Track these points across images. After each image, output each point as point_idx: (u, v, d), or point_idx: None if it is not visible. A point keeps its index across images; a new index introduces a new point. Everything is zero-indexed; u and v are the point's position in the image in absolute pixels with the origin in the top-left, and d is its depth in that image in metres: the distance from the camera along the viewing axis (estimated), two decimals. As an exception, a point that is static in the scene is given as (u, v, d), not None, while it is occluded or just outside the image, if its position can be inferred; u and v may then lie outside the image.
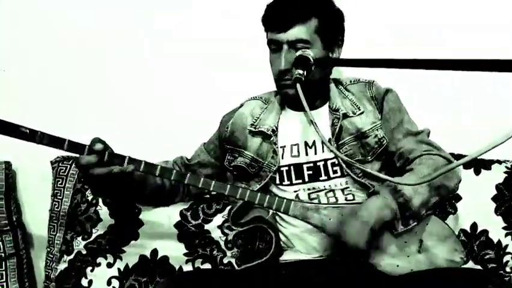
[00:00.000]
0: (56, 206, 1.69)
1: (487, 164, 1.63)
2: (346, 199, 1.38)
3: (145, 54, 1.88)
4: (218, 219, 1.63)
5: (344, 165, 1.38)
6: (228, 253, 1.62)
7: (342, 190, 1.39)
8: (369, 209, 1.26)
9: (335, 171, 1.40)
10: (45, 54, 1.89)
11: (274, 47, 1.38)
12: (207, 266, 1.61)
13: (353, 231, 1.23)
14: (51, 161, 1.73)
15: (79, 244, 1.62)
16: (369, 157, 1.41)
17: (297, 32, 1.33)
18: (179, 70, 1.87)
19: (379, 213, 1.25)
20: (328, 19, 1.37)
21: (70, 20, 1.88)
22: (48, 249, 1.70)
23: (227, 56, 1.82)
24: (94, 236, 1.63)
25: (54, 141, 1.28)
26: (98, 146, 1.28)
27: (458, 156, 1.52)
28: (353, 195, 1.38)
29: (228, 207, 1.60)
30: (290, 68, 1.35)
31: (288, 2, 1.35)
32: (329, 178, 1.40)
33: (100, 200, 1.63)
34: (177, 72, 1.87)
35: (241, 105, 1.57)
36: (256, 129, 1.48)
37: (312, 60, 1.29)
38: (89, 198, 1.64)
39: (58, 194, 1.69)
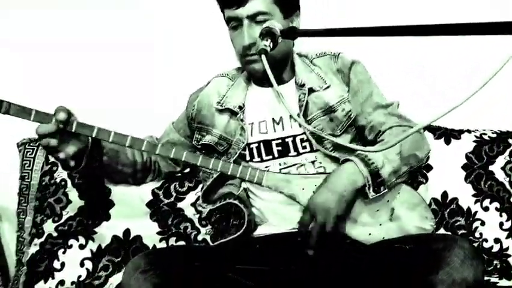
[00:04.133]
0: (25, 189, 1.65)
1: (457, 134, 1.65)
2: (317, 172, 1.38)
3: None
4: (191, 196, 1.62)
5: (313, 141, 1.38)
6: (202, 230, 1.61)
7: (313, 163, 1.39)
8: (340, 176, 1.27)
9: (304, 147, 1.40)
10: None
11: (235, 24, 1.36)
12: (181, 243, 1.60)
13: (323, 198, 1.24)
14: (17, 143, 1.69)
15: (50, 227, 1.59)
16: (338, 131, 1.41)
17: (256, 4, 1.31)
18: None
19: (350, 179, 1.26)
20: None
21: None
22: (19, 233, 1.67)
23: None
24: (64, 218, 1.60)
25: (21, 111, 1.23)
26: (61, 116, 1.23)
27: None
28: (324, 168, 1.38)
29: (201, 185, 1.59)
30: (254, 43, 1.33)
31: None
32: (299, 154, 1.40)
33: (69, 182, 1.60)
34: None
35: (208, 83, 1.55)
36: (223, 107, 1.46)
37: (278, 32, 1.27)
38: (58, 180, 1.61)
39: (26, 177, 1.65)
